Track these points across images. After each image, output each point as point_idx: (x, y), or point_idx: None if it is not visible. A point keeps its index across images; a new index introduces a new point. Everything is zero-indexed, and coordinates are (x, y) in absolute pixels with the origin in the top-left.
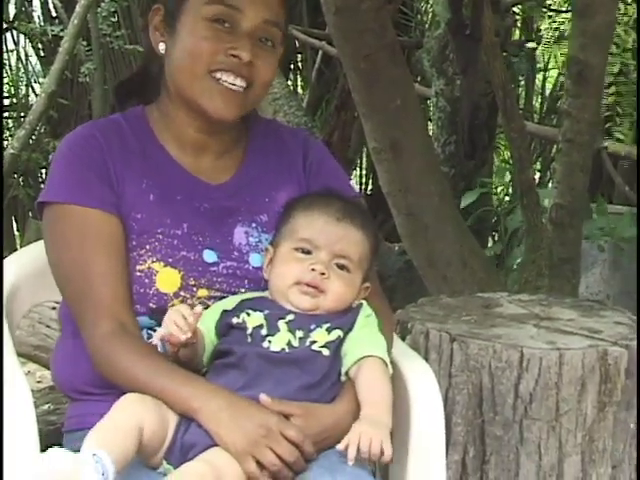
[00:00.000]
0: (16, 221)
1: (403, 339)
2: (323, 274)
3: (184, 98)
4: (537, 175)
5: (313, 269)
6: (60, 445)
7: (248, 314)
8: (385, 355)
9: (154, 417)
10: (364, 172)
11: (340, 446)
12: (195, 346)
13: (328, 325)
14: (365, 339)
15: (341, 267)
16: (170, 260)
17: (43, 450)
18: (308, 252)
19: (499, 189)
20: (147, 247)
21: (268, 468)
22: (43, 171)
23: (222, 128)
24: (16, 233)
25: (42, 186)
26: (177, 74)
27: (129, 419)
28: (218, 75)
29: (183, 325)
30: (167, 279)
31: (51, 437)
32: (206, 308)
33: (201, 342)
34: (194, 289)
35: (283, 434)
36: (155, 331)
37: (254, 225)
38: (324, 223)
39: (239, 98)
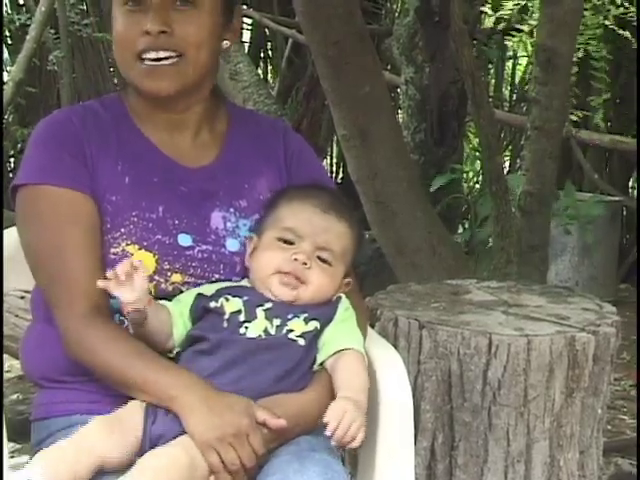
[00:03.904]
0: None
1: (372, 326)
2: (305, 264)
3: (129, 83)
4: (507, 163)
5: (295, 259)
6: (29, 435)
7: (227, 299)
8: (362, 348)
9: (118, 448)
10: (334, 160)
11: (325, 419)
12: (157, 324)
13: (306, 315)
14: (344, 332)
15: (323, 260)
16: (145, 243)
17: (11, 440)
18: (291, 242)
19: (469, 176)
20: (122, 230)
21: (227, 466)
22: (12, 160)
23: (182, 103)
24: None
25: (11, 175)
26: (116, 63)
27: (88, 454)
28: (144, 56)
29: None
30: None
31: (20, 427)
32: (180, 293)
33: (165, 324)
34: (168, 274)
35: (248, 439)
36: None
37: (232, 210)
38: (309, 214)
39: (171, 70)
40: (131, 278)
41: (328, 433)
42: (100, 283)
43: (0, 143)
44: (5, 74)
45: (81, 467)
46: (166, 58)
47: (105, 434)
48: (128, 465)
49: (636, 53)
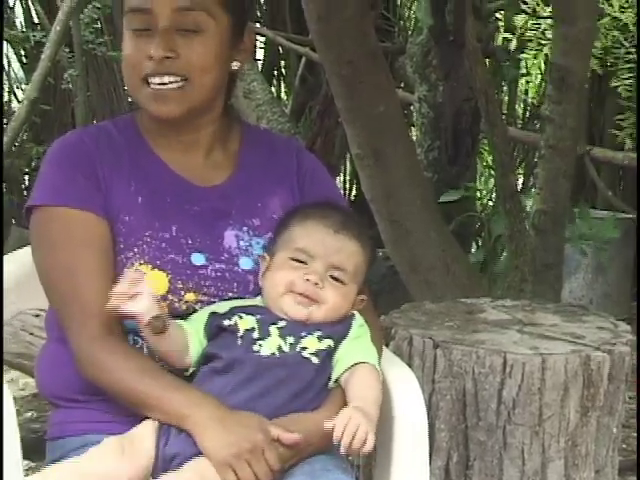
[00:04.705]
0: None
1: (386, 345)
2: (317, 284)
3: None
4: (520, 180)
5: (307, 279)
6: (43, 453)
7: (240, 317)
8: (377, 363)
9: (131, 467)
10: (347, 178)
11: (328, 424)
12: (175, 338)
13: (319, 333)
14: (358, 348)
15: (336, 279)
16: (158, 263)
17: (26, 458)
18: (304, 262)
19: (483, 194)
20: (135, 250)
21: None
22: (26, 177)
23: (192, 124)
24: None
25: (25, 193)
26: (125, 85)
27: (94, 475)
28: (150, 80)
29: (128, 288)
30: (155, 282)
31: (34, 445)
32: (194, 312)
33: (182, 338)
34: (181, 293)
35: (264, 455)
36: (142, 336)
37: (245, 229)
38: (321, 234)
39: (177, 94)
40: (136, 288)
41: (335, 441)
42: (110, 305)
43: (0, 163)
44: (20, 92)
45: None
46: (171, 82)
47: (115, 455)
48: None
49: (636, 53)
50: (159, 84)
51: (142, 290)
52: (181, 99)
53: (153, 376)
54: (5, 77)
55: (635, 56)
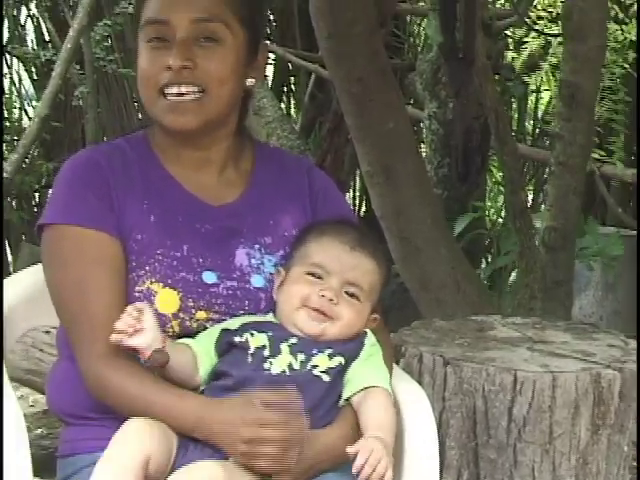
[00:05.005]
0: (9, 245)
1: (397, 363)
2: (332, 300)
3: (153, 119)
4: (530, 197)
5: (323, 295)
6: (53, 470)
7: (252, 334)
8: (389, 387)
9: (160, 446)
10: (357, 194)
11: (350, 449)
12: (182, 364)
13: (330, 351)
14: (371, 368)
15: (351, 295)
16: (169, 281)
17: (36, 475)
18: (320, 277)
19: (492, 211)
20: (146, 268)
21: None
22: (36, 194)
23: (207, 139)
24: (9, 257)
25: (35, 209)
26: (140, 99)
27: (136, 454)
28: (166, 91)
29: (132, 322)
30: (166, 300)
31: (44, 462)
32: (204, 330)
33: (189, 362)
34: (192, 310)
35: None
36: None
37: (257, 247)
38: (338, 251)
39: (194, 105)
40: (140, 322)
41: (354, 470)
42: (113, 339)
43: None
44: (31, 110)
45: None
46: (188, 93)
47: (147, 434)
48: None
49: (636, 60)
50: (176, 95)
51: (144, 324)
52: (198, 110)
53: (157, 389)
54: (16, 94)
55: None
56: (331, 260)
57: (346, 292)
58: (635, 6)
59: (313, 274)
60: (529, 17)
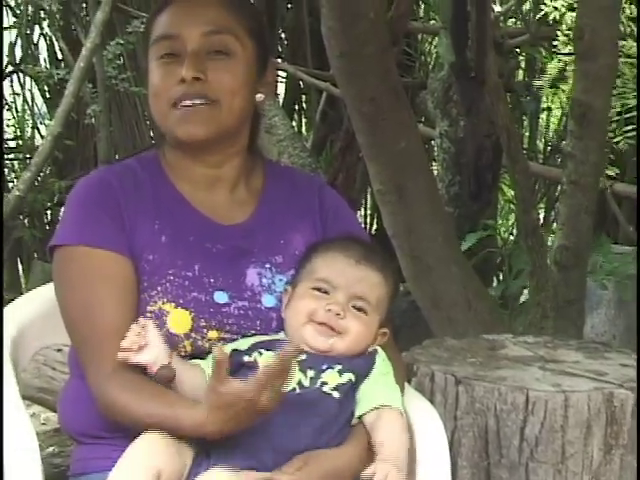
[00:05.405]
0: (21, 263)
1: (408, 381)
2: (338, 314)
3: (165, 136)
4: (541, 215)
5: (329, 310)
6: None
7: (260, 353)
8: (402, 406)
9: (171, 460)
10: (368, 212)
11: (366, 474)
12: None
13: (340, 367)
14: (383, 387)
15: (358, 309)
16: (181, 301)
17: None
18: (326, 292)
19: (503, 229)
20: (158, 288)
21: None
22: (48, 212)
23: (218, 155)
24: (21, 275)
25: (47, 227)
26: (153, 116)
27: (146, 469)
28: (179, 105)
29: (137, 339)
30: (178, 320)
31: None
32: None
33: (199, 377)
34: (204, 330)
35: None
36: None
37: (268, 266)
38: (343, 265)
39: (205, 113)
40: (145, 339)
41: None
42: (119, 357)
43: (0, 198)
44: (43, 128)
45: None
46: (201, 104)
47: (157, 448)
48: None
49: (637, 65)
50: (189, 106)
51: (150, 341)
52: (210, 120)
53: (163, 400)
54: (29, 112)
55: None
56: (337, 274)
57: (353, 306)
58: None
59: (319, 289)
60: (542, 37)
